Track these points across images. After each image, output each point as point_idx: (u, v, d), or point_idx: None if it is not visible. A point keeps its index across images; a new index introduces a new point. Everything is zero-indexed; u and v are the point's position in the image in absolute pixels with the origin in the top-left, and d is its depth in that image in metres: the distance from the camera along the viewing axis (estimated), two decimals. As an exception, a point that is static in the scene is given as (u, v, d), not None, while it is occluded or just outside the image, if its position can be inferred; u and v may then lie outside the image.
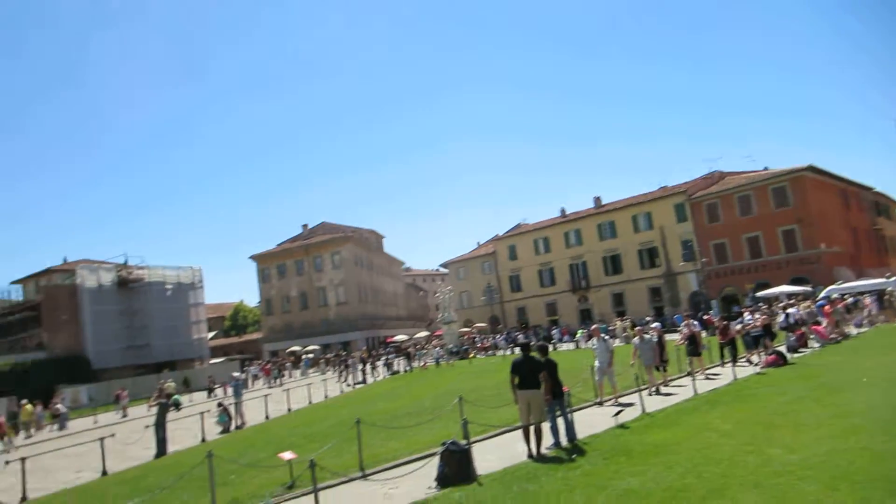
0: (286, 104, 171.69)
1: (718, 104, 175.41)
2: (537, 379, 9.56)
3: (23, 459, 12.08)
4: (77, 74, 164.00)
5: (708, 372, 17.01)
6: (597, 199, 60.46)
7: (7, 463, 18.68)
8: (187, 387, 41.44)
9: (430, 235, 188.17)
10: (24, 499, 11.21)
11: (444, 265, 72.71)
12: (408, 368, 37.04)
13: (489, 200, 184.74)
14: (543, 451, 9.46)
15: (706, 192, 49.87)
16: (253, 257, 70.06)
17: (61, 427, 28.36)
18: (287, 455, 9.37)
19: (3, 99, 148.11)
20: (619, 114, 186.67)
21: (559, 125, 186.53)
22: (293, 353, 57.20)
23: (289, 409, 22.94)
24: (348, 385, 31.58)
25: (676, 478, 7.13)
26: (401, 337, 62.14)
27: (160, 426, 16.13)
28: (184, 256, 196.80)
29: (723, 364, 17.87)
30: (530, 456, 9.32)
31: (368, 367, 36.60)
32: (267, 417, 21.22)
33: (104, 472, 13.40)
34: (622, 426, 10.78)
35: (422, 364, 37.87)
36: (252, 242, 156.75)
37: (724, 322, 19.17)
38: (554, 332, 44.72)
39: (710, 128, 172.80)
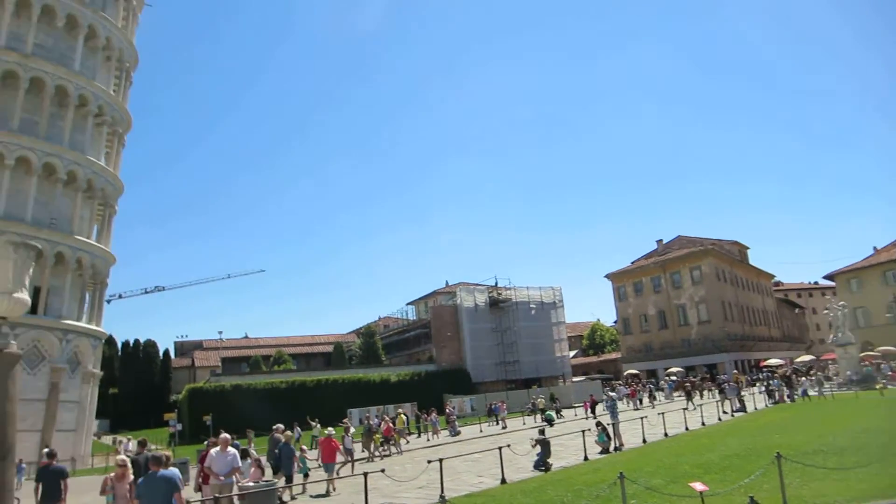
0: (631, 119, 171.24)
1: None
2: None
3: (441, 461, 13.43)
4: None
5: None
6: None
7: (390, 452, 21.62)
8: (554, 403, 43.19)
9: (802, 244, 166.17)
10: (443, 498, 12.38)
11: (829, 276, 62.82)
12: (797, 396, 33.25)
13: (882, 197, 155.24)
14: None
15: None
16: (608, 276, 70.54)
17: (453, 433, 31.83)
18: (699, 486, 8.58)
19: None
20: None
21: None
22: (638, 374, 55.60)
23: (665, 434, 21.85)
24: (725, 412, 29.08)
25: None
26: (775, 361, 55.85)
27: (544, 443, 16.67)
28: (542, 277, 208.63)
29: None
30: None
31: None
32: (644, 441, 20.49)
33: (503, 480, 14.24)
34: None
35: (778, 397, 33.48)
36: (606, 261, 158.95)
37: None
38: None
39: None
